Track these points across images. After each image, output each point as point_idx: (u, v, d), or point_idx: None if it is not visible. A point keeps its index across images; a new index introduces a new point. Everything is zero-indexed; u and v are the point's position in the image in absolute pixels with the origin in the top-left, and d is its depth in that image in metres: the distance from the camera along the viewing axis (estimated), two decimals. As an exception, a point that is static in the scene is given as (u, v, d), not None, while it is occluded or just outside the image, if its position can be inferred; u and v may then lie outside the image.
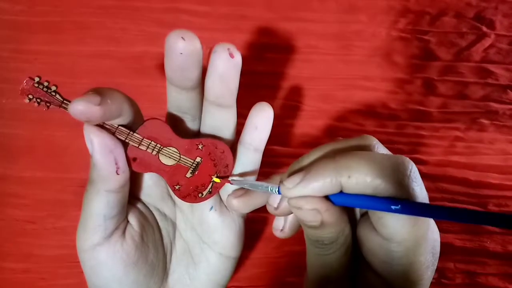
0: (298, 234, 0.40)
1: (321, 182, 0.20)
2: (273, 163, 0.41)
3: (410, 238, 0.20)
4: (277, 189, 0.22)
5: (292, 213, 0.23)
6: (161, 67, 0.44)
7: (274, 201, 0.23)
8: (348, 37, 0.46)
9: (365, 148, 0.22)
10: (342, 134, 0.43)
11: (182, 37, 0.19)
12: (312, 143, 0.43)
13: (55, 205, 0.40)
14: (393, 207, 0.19)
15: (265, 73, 0.44)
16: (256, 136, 0.24)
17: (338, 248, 0.21)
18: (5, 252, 0.39)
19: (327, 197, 0.20)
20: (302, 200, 0.20)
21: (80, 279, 0.38)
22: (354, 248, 0.23)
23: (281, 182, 0.21)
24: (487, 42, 0.47)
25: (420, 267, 0.21)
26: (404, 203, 0.19)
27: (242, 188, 0.25)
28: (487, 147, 0.44)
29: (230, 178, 0.24)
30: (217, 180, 0.24)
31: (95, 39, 0.44)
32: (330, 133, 0.44)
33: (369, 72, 0.45)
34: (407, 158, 0.20)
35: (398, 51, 0.46)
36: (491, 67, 0.46)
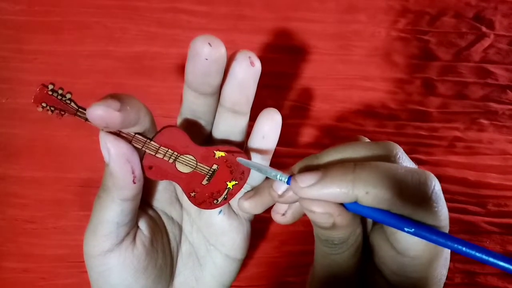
0: (298, 234, 0.40)
1: (336, 191, 0.19)
2: (274, 163, 0.41)
3: (425, 255, 0.20)
4: (286, 180, 0.21)
5: (295, 202, 0.22)
6: (160, 67, 0.44)
7: (279, 188, 0.22)
8: (348, 37, 0.46)
9: (388, 158, 0.21)
10: (342, 134, 0.43)
11: (208, 43, 0.19)
12: (312, 143, 0.43)
13: (55, 205, 0.40)
14: (406, 229, 0.18)
15: (264, 73, 0.44)
16: (263, 145, 0.24)
17: (348, 248, 0.21)
18: (5, 252, 0.39)
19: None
20: (315, 204, 0.20)
21: (80, 279, 0.38)
22: (364, 249, 0.22)
23: (293, 175, 0.21)
24: (486, 42, 0.47)
25: (433, 281, 0.21)
26: (418, 227, 0.18)
27: (251, 190, 0.25)
28: (487, 147, 0.44)
29: (237, 159, 0.23)
30: (231, 185, 0.24)
31: (95, 39, 0.44)
32: (330, 133, 0.44)
33: (369, 72, 0.45)
34: (431, 174, 0.19)
35: (398, 51, 0.46)
36: (491, 67, 0.46)
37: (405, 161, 0.21)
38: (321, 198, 0.19)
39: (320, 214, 0.20)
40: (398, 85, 0.45)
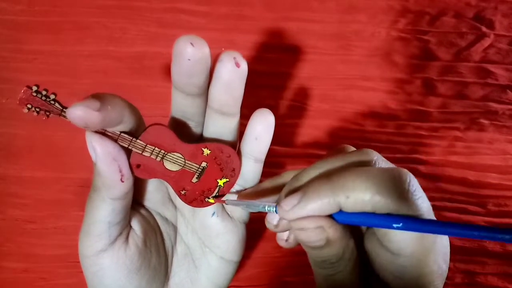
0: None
1: (319, 203, 0.19)
2: (273, 163, 0.41)
3: (419, 250, 0.20)
4: (274, 209, 0.21)
5: (289, 228, 0.22)
6: (160, 67, 0.44)
7: (273, 219, 0.22)
8: (348, 37, 0.46)
9: (365, 164, 0.21)
10: (342, 134, 0.43)
11: (191, 43, 0.19)
12: (312, 143, 0.43)
13: (55, 205, 0.40)
14: (394, 225, 0.19)
15: (264, 73, 0.44)
16: (256, 147, 0.23)
17: (346, 265, 0.21)
18: (5, 252, 0.39)
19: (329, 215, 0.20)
20: (306, 221, 0.20)
21: (80, 279, 0.38)
22: (362, 262, 0.22)
23: (278, 203, 0.21)
24: (486, 42, 0.47)
25: (432, 276, 0.21)
26: (405, 220, 0.18)
27: (249, 188, 0.25)
28: (487, 147, 0.44)
29: (225, 198, 0.24)
30: (222, 182, 0.24)
31: (95, 39, 0.44)
32: (330, 133, 0.44)
33: (369, 72, 0.45)
34: (405, 170, 0.20)
35: (398, 51, 0.46)
36: (491, 67, 0.46)
37: (382, 164, 0.21)
38: (307, 214, 0.20)
39: (312, 231, 0.20)
40: (398, 85, 0.45)
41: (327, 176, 0.20)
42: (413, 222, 0.18)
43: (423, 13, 0.47)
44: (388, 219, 0.19)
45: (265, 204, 0.22)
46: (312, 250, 0.21)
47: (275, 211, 0.21)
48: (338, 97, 0.44)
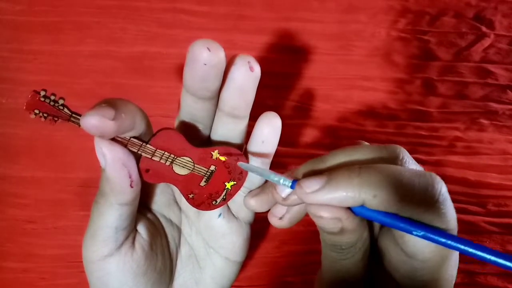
0: (299, 234, 0.40)
1: (343, 196, 0.19)
2: (273, 163, 0.41)
3: (435, 258, 0.19)
4: (290, 184, 0.21)
5: (299, 204, 0.22)
6: (160, 67, 0.44)
7: (283, 191, 0.21)
8: (348, 37, 0.46)
9: (394, 161, 0.21)
10: (343, 134, 0.43)
11: (207, 48, 0.19)
12: (312, 143, 0.43)
13: (55, 205, 0.40)
14: (414, 232, 0.18)
15: (264, 73, 0.44)
16: (263, 150, 0.23)
17: (356, 253, 0.21)
18: (5, 252, 0.39)
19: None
20: (323, 210, 0.19)
21: (80, 279, 0.38)
22: (373, 253, 0.22)
23: (297, 179, 0.20)
24: (486, 42, 0.47)
25: (444, 282, 0.20)
26: (427, 230, 0.18)
27: (257, 188, 0.25)
28: (487, 147, 0.44)
29: (238, 163, 0.23)
30: (229, 185, 0.24)
31: (95, 39, 0.44)
32: (331, 133, 0.44)
33: (369, 72, 0.45)
34: (438, 177, 0.19)
35: (398, 51, 0.46)
36: (491, 67, 0.46)
37: (411, 164, 0.21)
38: (328, 203, 0.19)
39: (328, 220, 0.20)
40: (398, 85, 0.45)
41: (356, 168, 0.19)
42: (434, 233, 0.18)
43: (423, 13, 0.47)
44: (410, 224, 0.18)
45: (280, 177, 0.21)
46: (325, 234, 0.21)
47: (291, 186, 0.21)
48: (339, 97, 0.44)
